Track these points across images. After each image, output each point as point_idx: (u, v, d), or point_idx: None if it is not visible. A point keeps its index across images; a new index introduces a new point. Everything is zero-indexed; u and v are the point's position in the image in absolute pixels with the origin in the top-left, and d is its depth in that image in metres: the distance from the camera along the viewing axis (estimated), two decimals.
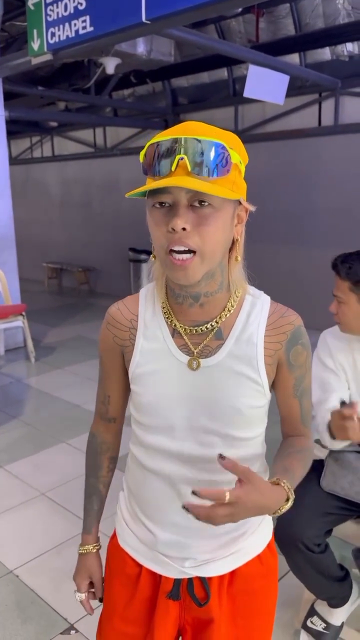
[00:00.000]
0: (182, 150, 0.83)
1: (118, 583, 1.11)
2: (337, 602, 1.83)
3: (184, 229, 0.83)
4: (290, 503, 0.86)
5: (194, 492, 0.76)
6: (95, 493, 1.19)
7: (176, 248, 0.85)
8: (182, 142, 0.83)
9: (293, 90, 5.63)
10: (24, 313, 5.21)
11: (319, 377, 1.85)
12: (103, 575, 1.19)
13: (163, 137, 0.86)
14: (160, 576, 1.05)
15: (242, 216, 0.93)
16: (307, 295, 6.25)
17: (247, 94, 4.85)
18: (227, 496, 0.76)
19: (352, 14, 5.38)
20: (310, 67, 5.89)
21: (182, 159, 0.83)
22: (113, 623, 1.11)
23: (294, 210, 6.36)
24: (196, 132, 0.85)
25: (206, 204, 0.84)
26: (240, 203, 0.91)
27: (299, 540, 1.65)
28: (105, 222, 8.74)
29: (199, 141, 0.83)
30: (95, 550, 1.20)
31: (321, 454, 1.87)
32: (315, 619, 1.87)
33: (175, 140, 0.83)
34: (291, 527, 1.67)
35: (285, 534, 1.68)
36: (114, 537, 1.16)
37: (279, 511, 0.85)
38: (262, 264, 6.38)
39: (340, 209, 5.93)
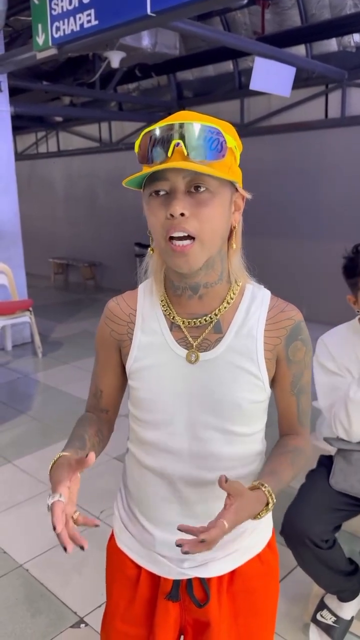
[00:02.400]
0: (178, 135, 0.83)
1: (118, 584, 1.10)
2: (347, 596, 1.83)
3: (182, 214, 0.83)
4: (270, 508, 0.87)
5: (178, 545, 0.78)
6: (77, 438, 1.00)
7: (176, 234, 0.84)
8: (178, 128, 0.83)
9: (299, 82, 5.58)
10: (30, 308, 5.22)
11: (322, 382, 1.84)
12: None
13: (157, 125, 0.86)
14: (160, 577, 1.04)
15: (239, 203, 0.92)
16: (313, 288, 6.23)
17: (253, 86, 4.81)
18: (226, 525, 0.79)
19: (359, 4, 5.32)
20: (316, 58, 5.83)
21: (178, 144, 0.83)
22: (115, 624, 1.10)
23: (300, 203, 6.32)
24: (191, 118, 0.85)
25: (203, 189, 0.84)
26: (236, 190, 0.91)
27: (306, 536, 1.65)
28: (111, 217, 8.73)
29: (194, 126, 0.83)
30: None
31: (329, 448, 1.86)
32: (325, 612, 1.87)
33: (171, 127, 0.83)
34: (298, 523, 1.67)
35: (293, 530, 1.67)
36: (112, 538, 1.14)
37: (259, 516, 0.86)
38: (267, 257, 6.37)
39: (346, 201, 5.89)
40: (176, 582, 1.03)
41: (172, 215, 0.83)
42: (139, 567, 1.06)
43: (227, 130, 0.87)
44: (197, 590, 1.02)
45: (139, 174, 0.85)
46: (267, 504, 0.87)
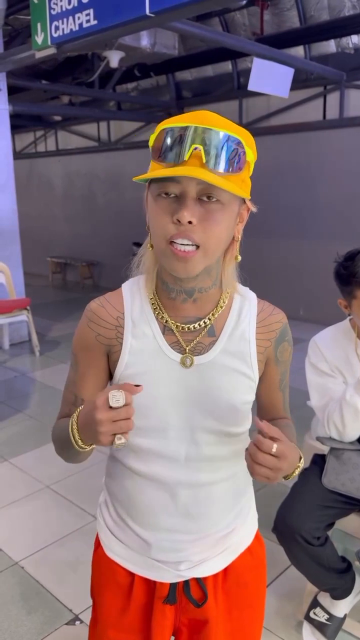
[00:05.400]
0: (199, 140, 0.80)
1: (109, 594, 1.06)
2: (339, 593, 1.84)
3: (190, 222, 0.81)
4: (302, 461, 0.91)
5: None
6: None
7: (179, 241, 0.82)
8: (200, 132, 0.80)
9: (298, 83, 5.60)
10: (28, 307, 5.22)
11: (315, 383, 1.85)
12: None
13: (178, 122, 0.82)
14: (155, 582, 1.03)
15: (243, 215, 0.91)
16: (308, 289, 6.25)
17: (251, 87, 4.82)
18: (274, 448, 0.80)
19: (358, 6, 5.33)
20: (315, 59, 5.85)
21: (197, 149, 0.79)
22: (108, 633, 1.07)
23: (298, 204, 6.34)
24: (213, 123, 0.82)
25: (214, 199, 0.82)
26: (244, 202, 0.90)
27: (298, 532, 1.66)
28: (109, 217, 8.74)
29: (217, 133, 0.80)
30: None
31: (323, 447, 1.87)
32: (318, 610, 1.88)
33: (193, 129, 0.80)
34: (291, 520, 1.69)
35: (285, 527, 1.69)
36: (98, 547, 1.10)
37: (297, 470, 0.90)
38: (265, 257, 6.38)
39: (344, 202, 5.91)
40: (173, 586, 1.02)
41: (178, 221, 0.81)
42: (131, 575, 1.04)
43: (247, 141, 0.85)
44: (195, 590, 1.03)
45: (152, 175, 0.82)
46: (300, 457, 0.90)
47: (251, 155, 0.86)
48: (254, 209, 0.92)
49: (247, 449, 0.83)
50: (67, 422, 0.90)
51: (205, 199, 0.82)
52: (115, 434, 0.78)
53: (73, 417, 0.88)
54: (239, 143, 0.82)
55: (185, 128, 0.81)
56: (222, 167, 0.81)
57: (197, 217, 0.82)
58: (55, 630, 1.97)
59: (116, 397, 0.76)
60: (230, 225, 0.87)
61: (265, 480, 0.82)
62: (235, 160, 0.82)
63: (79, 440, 0.86)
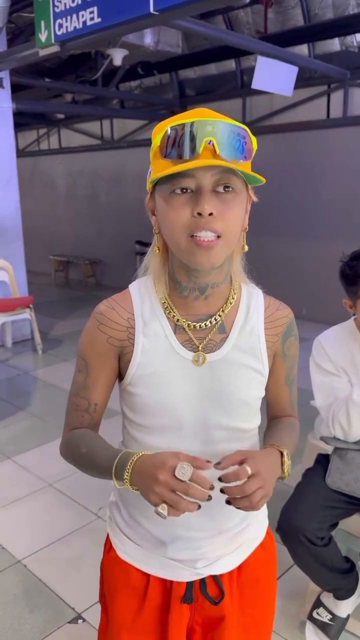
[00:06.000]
0: (209, 132, 0.81)
1: (123, 597, 1.05)
2: (342, 594, 1.84)
3: (210, 214, 0.82)
4: (287, 458, 0.92)
5: (220, 482, 0.82)
6: (98, 441, 0.97)
7: (202, 234, 0.83)
8: (208, 125, 0.81)
9: (301, 81, 5.58)
10: (31, 305, 5.23)
11: (319, 382, 1.85)
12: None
13: (181, 120, 0.83)
14: (172, 582, 1.02)
15: (247, 206, 0.93)
16: (311, 288, 6.24)
17: (255, 85, 4.81)
18: (248, 469, 0.81)
19: None
20: (319, 58, 5.83)
21: (209, 142, 0.81)
22: (121, 635, 1.05)
23: (301, 202, 6.33)
24: (217, 117, 0.84)
25: (230, 188, 0.84)
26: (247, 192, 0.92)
27: (302, 532, 1.66)
28: (111, 215, 8.74)
29: (225, 124, 0.82)
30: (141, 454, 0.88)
31: (327, 447, 1.87)
32: (321, 610, 1.88)
33: (201, 123, 0.81)
34: (294, 520, 1.68)
35: (289, 527, 1.69)
36: (110, 550, 1.09)
37: (285, 470, 0.90)
38: (268, 256, 6.37)
39: (348, 201, 5.89)
40: (190, 584, 1.02)
41: (199, 214, 0.82)
42: (146, 576, 1.03)
43: (248, 131, 0.88)
44: (211, 588, 1.03)
45: (170, 170, 0.82)
46: (282, 455, 0.91)
47: (255, 144, 0.89)
48: (255, 198, 0.93)
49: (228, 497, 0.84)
50: (110, 452, 0.90)
51: (220, 190, 0.84)
52: (164, 501, 0.77)
53: (132, 457, 0.85)
54: (244, 132, 0.85)
55: (192, 124, 0.81)
56: (234, 155, 0.82)
57: (217, 208, 0.83)
58: (58, 629, 1.98)
59: (183, 470, 0.77)
60: (243, 213, 0.89)
61: (265, 499, 0.84)
62: (244, 149, 0.84)
63: (127, 481, 0.84)
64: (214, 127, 0.81)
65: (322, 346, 1.85)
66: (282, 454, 0.93)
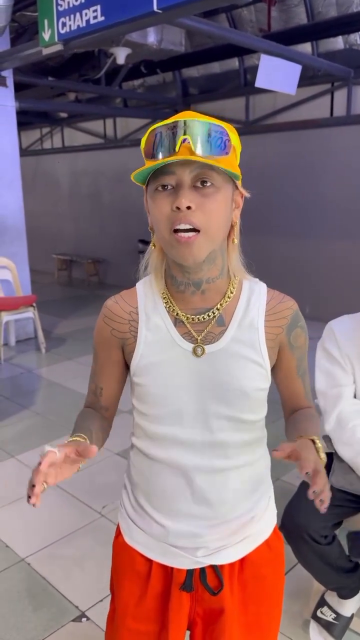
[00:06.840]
0: (186, 131, 0.86)
1: (128, 581, 1.09)
2: (347, 593, 1.83)
3: (189, 207, 0.86)
4: (319, 443, 0.92)
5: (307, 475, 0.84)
6: (83, 430, 0.99)
7: (181, 227, 0.87)
8: (184, 125, 0.86)
9: (305, 80, 5.57)
10: (34, 304, 5.23)
11: (324, 367, 1.85)
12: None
13: (163, 122, 0.89)
14: (172, 569, 1.05)
15: (238, 201, 0.96)
16: (314, 286, 6.22)
17: (258, 84, 4.81)
18: (310, 470, 0.84)
19: None
20: (322, 56, 5.82)
21: (185, 139, 0.85)
22: (126, 623, 1.09)
23: (304, 201, 6.32)
24: (197, 117, 0.88)
25: (209, 183, 0.88)
26: (236, 188, 0.95)
27: (305, 531, 1.66)
28: (114, 214, 8.74)
29: (201, 123, 0.87)
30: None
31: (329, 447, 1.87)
32: (325, 609, 1.88)
33: (178, 123, 0.87)
34: (298, 518, 1.68)
35: (292, 525, 1.69)
36: (118, 535, 1.14)
37: (322, 456, 0.91)
38: (272, 255, 6.36)
39: (351, 200, 5.88)
40: (190, 572, 1.04)
41: (178, 208, 0.86)
42: (149, 561, 1.06)
43: (230, 130, 0.91)
44: (211, 578, 1.05)
45: (147, 167, 0.88)
46: (314, 442, 0.92)
47: (236, 141, 0.92)
48: (247, 194, 0.97)
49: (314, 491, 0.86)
50: (75, 430, 0.98)
51: (199, 185, 0.88)
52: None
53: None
54: (222, 130, 0.88)
55: (172, 125, 0.87)
56: (210, 151, 0.86)
57: (195, 202, 0.87)
58: (62, 627, 1.98)
59: (42, 453, 0.81)
60: (227, 208, 0.92)
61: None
62: (221, 145, 0.88)
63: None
64: (190, 126, 0.86)
65: (334, 332, 1.84)
66: (313, 441, 0.93)
